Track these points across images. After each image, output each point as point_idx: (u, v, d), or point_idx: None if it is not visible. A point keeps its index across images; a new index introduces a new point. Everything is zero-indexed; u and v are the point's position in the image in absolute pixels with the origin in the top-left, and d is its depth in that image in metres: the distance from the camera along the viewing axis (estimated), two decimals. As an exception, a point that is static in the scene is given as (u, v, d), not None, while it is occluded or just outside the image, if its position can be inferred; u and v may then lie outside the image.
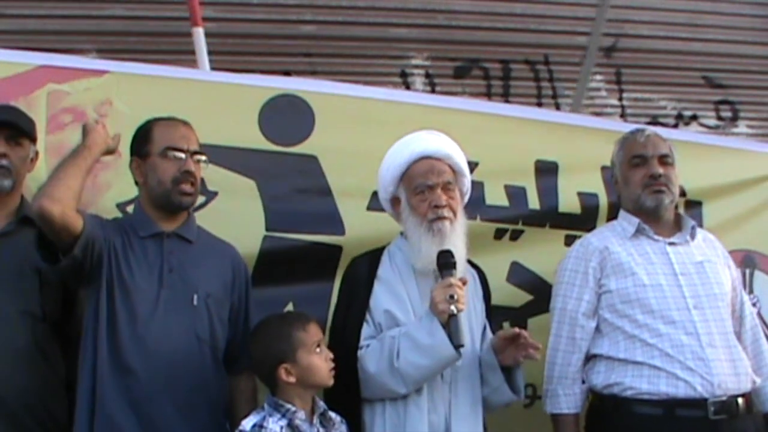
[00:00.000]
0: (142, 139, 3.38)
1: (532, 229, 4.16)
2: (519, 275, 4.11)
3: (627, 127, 4.06)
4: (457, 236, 3.33)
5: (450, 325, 3.13)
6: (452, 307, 3.12)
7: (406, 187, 3.41)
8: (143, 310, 3.19)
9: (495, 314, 3.55)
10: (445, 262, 3.24)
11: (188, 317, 3.25)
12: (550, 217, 4.19)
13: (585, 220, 4.17)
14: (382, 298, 3.36)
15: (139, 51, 5.50)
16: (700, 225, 4.16)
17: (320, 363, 3.07)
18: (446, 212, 3.32)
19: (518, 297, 4.04)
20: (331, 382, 3.08)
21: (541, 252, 4.10)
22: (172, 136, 3.33)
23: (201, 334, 3.26)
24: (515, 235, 4.14)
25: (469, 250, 3.41)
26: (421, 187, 3.35)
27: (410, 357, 3.16)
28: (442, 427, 3.23)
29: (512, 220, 4.15)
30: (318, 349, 3.07)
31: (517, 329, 3.26)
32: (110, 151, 3.37)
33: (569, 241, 4.05)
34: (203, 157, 3.39)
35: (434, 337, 3.14)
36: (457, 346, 3.12)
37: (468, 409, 3.30)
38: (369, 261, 3.48)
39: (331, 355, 3.11)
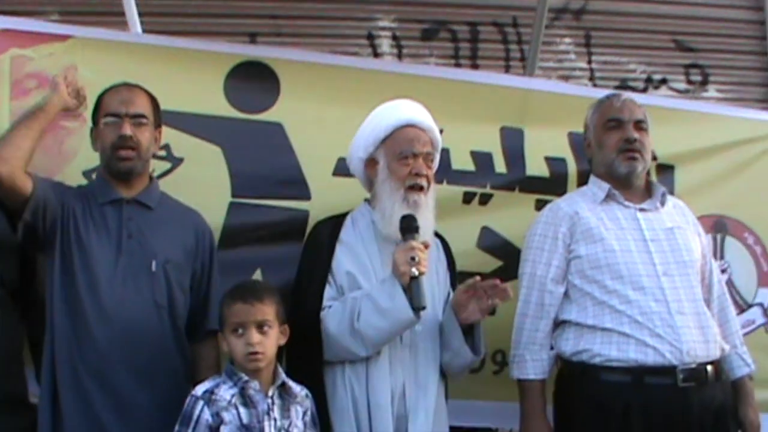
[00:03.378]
0: (95, 108, 3.44)
1: (502, 193, 4.15)
2: (489, 240, 4.10)
3: (595, 92, 4.08)
4: (428, 209, 3.37)
5: (411, 287, 3.13)
6: (413, 270, 3.13)
7: (387, 151, 3.42)
8: (102, 276, 3.22)
9: (464, 280, 3.52)
10: (408, 225, 3.25)
11: (146, 284, 3.28)
12: (518, 181, 4.18)
13: (554, 184, 4.16)
14: (344, 260, 3.37)
15: (101, 13, 5.39)
16: (672, 190, 4.19)
17: (235, 345, 3.00)
18: (424, 182, 3.36)
19: (488, 262, 4.03)
20: (249, 366, 3.00)
21: (511, 217, 4.08)
22: (113, 102, 3.37)
23: (159, 300, 3.28)
24: (484, 200, 4.13)
25: (438, 215, 3.43)
26: (405, 153, 3.37)
27: (370, 319, 3.17)
28: (398, 391, 3.24)
29: (480, 184, 4.14)
30: (240, 331, 3.00)
31: (477, 278, 3.27)
32: (68, 108, 3.51)
33: (540, 205, 4.02)
34: (143, 120, 3.37)
35: (394, 300, 3.15)
36: (418, 308, 3.13)
37: (426, 373, 3.31)
38: (331, 225, 3.49)
39: (255, 341, 2.99)
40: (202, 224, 3.52)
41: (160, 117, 3.51)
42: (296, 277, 3.46)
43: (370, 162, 3.48)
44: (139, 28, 4.39)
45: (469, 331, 3.33)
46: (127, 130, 3.30)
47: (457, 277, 3.58)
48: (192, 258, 3.42)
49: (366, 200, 3.54)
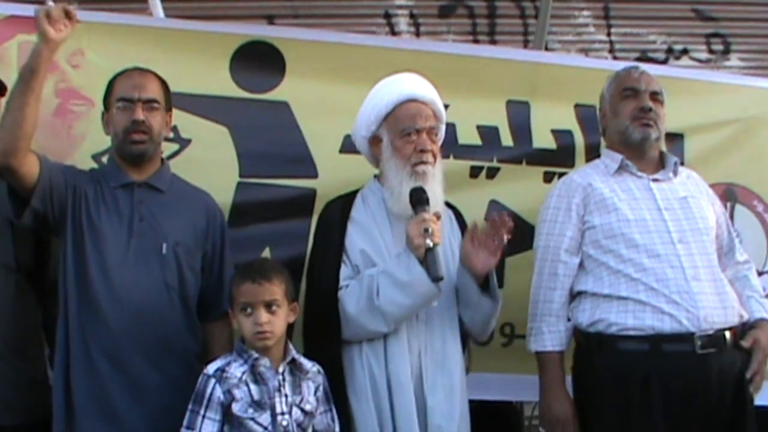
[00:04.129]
0: (107, 92, 3.44)
1: (509, 166, 4.15)
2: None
3: (602, 64, 4.05)
4: (436, 182, 3.34)
5: (427, 258, 3.13)
6: (428, 241, 3.12)
7: (390, 128, 3.39)
8: (113, 258, 3.24)
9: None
10: (418, 198, 3.24)
11: (157, 266, 3.29)
12: (525, 154, 4.18)
13: (562, 156, 4.16)
14: (357, 238, 3.35)
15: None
16: (682, 159, 4.15)
17: (244, 324, 3.01)
18: (429, 157, 3.33)
19: None
20: (258, 344, 3.00)
21: (519, 190, 4.09)
22: (125, 87, 3.38)
23: (170, 281, 3.30)
24: (492, 173, 4.13)
25: (446, 189, 3.42)
26: (408, 130, 3.34)
27: (390, 295, 3.16)
28: (416, 366, 3.23)
29: (487, 158, 4.14)
30: (248, 310, 3.00)
31: (476, 222, 3.29)
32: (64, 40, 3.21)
33: (548, 177, 4.05)
34: (156, 104, 3.38)
35: (412, 273, 3.14)
36: (435, 279, 3.12)
37: (443, 349, 3.29)
38: (342, 204, 3.46)
39: (263, 321, 2.98)
40: (213, 206, 3.53)
41: (171, 101, 3.52)
42: (310, 258, 3.46)
43: (374, 140, 3.45)
44: (161, 13, 4.44)
45: (484, 286, 3.30)
46: (140, 114, 3.31)
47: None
48: (203, 240, 3.43)
49: (375, 176, 3.52)
